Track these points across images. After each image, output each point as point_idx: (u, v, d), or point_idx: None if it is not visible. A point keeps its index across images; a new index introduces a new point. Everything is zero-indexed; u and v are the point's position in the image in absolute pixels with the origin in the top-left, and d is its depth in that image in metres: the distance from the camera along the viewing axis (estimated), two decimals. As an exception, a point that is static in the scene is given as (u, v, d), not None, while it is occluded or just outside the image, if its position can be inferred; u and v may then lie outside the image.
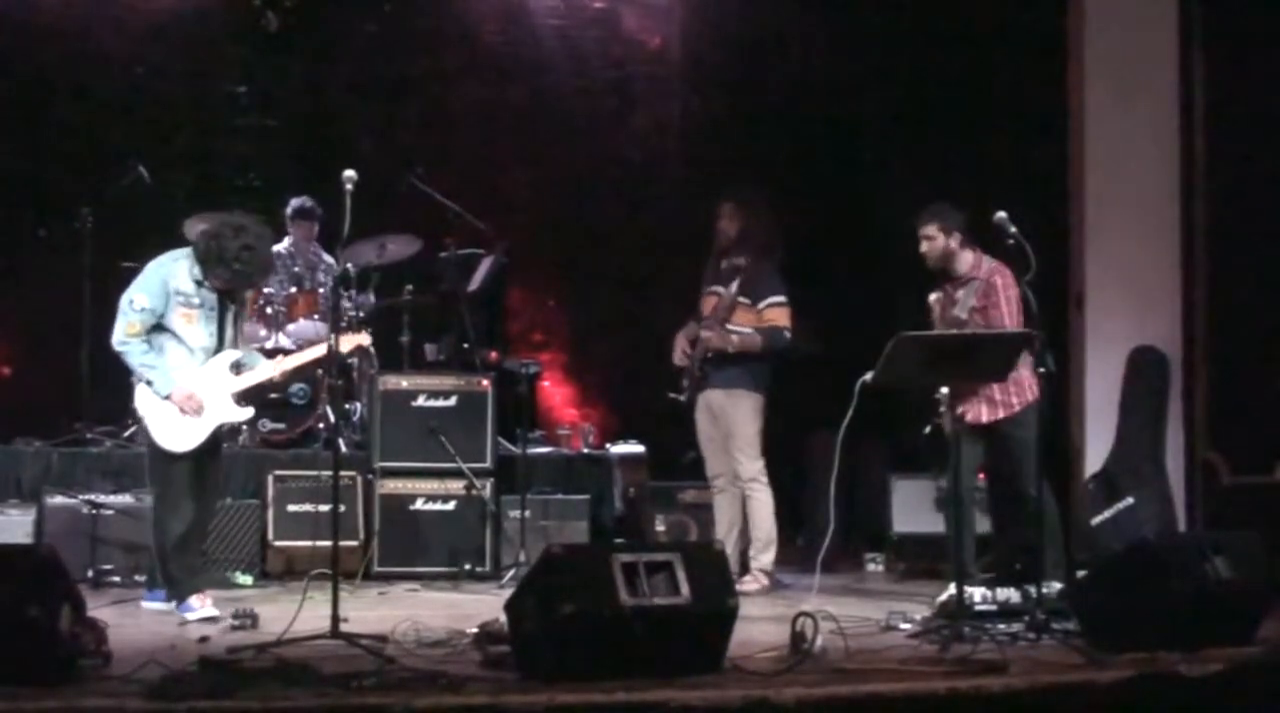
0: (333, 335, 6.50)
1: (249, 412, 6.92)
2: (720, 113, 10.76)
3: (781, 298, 7.80)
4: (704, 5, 10.75)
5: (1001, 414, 7.15)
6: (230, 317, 6.83)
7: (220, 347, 6.79)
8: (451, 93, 10.70)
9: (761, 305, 7.78)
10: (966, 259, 7.24)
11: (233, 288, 6.76)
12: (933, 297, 7.34)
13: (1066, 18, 8.76)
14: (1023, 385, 7.05)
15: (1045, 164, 8.88)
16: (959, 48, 9.53)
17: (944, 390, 6.90)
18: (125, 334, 6.65)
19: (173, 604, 6.71)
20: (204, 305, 6.72)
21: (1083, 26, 8.65)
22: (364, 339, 7.20)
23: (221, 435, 6.95)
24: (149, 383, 6.64)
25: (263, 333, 8.76)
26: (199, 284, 6.69)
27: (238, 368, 6.83)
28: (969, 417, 7.10)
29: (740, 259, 7.82)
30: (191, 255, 6.71)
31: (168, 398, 6.62)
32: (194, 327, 6.70)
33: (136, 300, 6.64)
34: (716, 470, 7.99)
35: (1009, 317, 7.06)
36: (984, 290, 7.12)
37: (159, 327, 6.66)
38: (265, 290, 8.75)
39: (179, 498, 6.71)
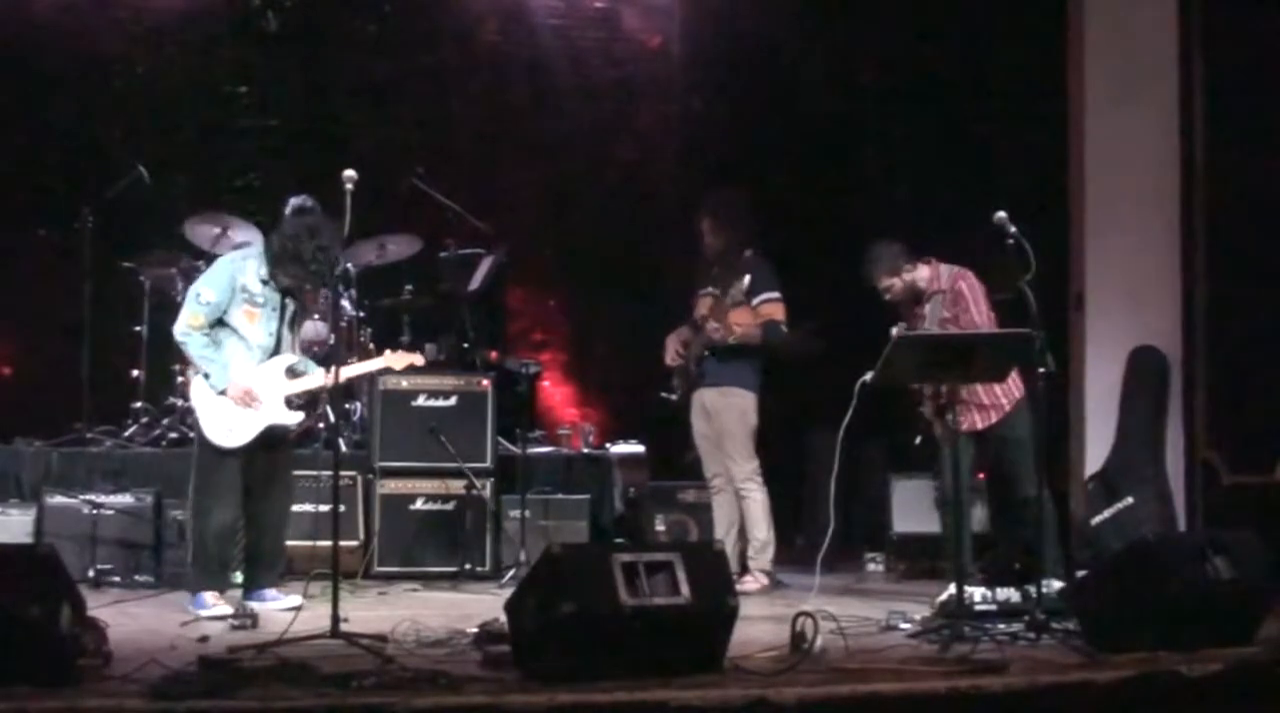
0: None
1: (299, 416, 6.98)
2: (720, 113, 10.76)
3: (775, 294, 7.85)
4: (704, 5, 10.75)
5: (994, 418, 7.17)
6: (289, 318, 6.89)
7: (278, 348, 6.86)
8: (451, 93, 10.70)
9: (756, 302, 7.81)
10: (923, 275, 7.30)
11: (304, 285, 6.84)
12: (895, 330, 7.22)
13: (1066, 17, 8.76)
14: (1008, 386, 7.07)
15: (1045, 164, 8.87)
16: (959, 47, 9.53)
17: (925, 405, 6.91)
18: (188, 325, 6.76)
19: (189, 600, 6.74)
20: (267, 305, 6.81)
21: (1083, 26, 8.65)
22: (417, 359, 7.34)
23: (281, 436, 6.93)
24: (206, 376, 6.74)
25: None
26: (265, 283, 6.79)
27: (293, 373, 6.89)
28: (965, 427, 7.13)
29: (731, 262, 7.84)
30: (261, 254, 6.84)
31: (223, 392, 6.70)
32: (255, 325, 6.80)
33: (203, 294, 6.76)
34: (714, 470, 8.01)
35: (980, 316, 7.11)
36: (951, 299, 7.16)
37: (221, 322, 6.76)
38: None
39: (222, 491, 6.78)
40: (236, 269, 6.81)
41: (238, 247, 8.11)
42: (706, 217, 7.94)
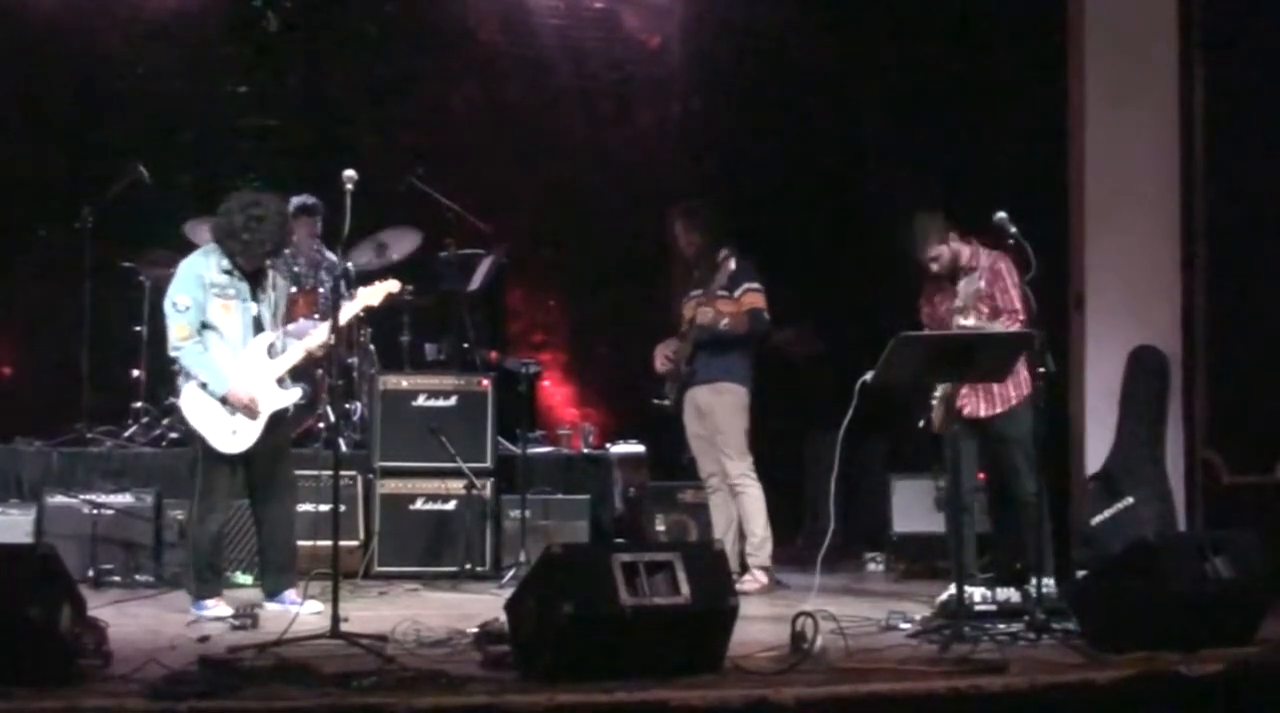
0: (335, 306, 6.53)
1: (296, 392, 6.95)
2: (720, 113, 10.76)
3: (755, 284, 7.92)
4: (704, 5, 10.75)
5: (999, 409, 7.17)
6: (265, 303, 6.85)
7: (256, 334, 6.82)
8: (451, 93, 10.70)
9: (738, 293, 7.88)
10: (964, 252, 7.28)
11: (248, 259, 6.75)
12: (931, 298, 7.36)
13: (1066, 17, 8.75)
14: (1018, 380, 7.07)
15: (1045, 164, 8.87)
16: (959, 48, 9.53)
17: (940, 388, 6.91)
18: (178, 339, 6.71)
19: (190, 602, 6.72)
20: (238, 296, 6.78)
21: (1082, 26, 8.64)
22: (393, 285, 7.23)
23: (281, 431, 6.89)
24: (203, 385, 6.65)
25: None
26: (229, 273, 6.75)
27: (273, 352, 6.86)
28: (966, 411, 7.13)
29: (709, 261, 7.90)
30: (217, 248, 6.78)
31: (224, 398, 6.63)
32: (232, 316, 6.76)
33: (179, 302, 6.70)
34: (709, 470, 8.02)
35: (1016, 300, 7.11)
36: (990, 278, 7.15)
37: (203, 324, 6.70)
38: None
39: (221, 499, 6.76)
40: (200, 268, 6.75)
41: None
42: (677, 222, 8.05)
